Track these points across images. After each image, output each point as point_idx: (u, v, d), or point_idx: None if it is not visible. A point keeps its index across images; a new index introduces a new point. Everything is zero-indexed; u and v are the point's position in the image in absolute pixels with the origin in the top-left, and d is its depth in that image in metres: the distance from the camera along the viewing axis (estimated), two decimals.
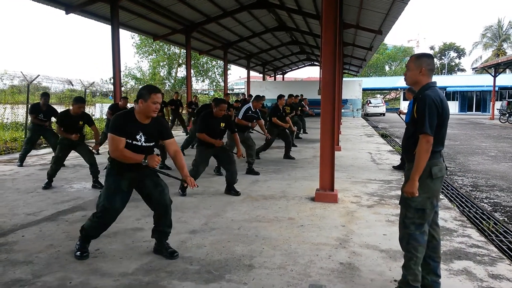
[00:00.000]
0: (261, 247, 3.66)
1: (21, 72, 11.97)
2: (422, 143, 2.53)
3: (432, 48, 58.51)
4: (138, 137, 3.18)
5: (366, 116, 31.08)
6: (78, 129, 6.01)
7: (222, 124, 5.60)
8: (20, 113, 13.25)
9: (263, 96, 7.87)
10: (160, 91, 3.27)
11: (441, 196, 5.64)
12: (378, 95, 49.71)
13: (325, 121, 5.33)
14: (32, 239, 3.85)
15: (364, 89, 33.46)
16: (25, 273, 3.09)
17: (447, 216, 4.67)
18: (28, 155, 8.06)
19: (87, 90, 14.25)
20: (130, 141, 3.17)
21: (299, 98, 14.62)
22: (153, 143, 3.31)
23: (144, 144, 3.22)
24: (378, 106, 32.67)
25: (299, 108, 13.45)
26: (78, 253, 3.39)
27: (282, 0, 13.62)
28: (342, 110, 22.64)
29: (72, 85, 14.12)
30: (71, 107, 6.00)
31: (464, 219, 4.57)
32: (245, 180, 6.58)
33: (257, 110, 7.41)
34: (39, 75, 12.32)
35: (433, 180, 2.61)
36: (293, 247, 3.68)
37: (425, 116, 2.51)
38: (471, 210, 5.32)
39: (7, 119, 10.94)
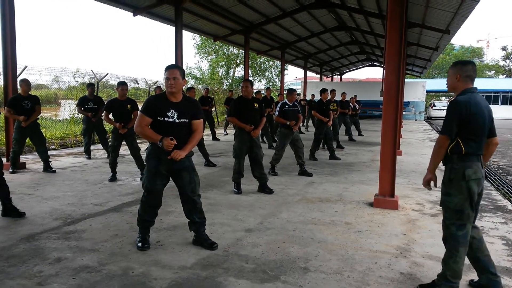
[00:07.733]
0: (316, 251, 3.60)
1: (92, 70, 12.75)
2: (437, 142, 2.76)
3: (504, 48, 54.11)
4: (169, 114, 3.38)
5: (429, 119, 29.60)
6: (128, 113, 6.32)
7: (256, 105, 5.65)
8: None
9: (295, 89, 7.65)
10: (171, 66, 3.42)
11: (508, 202, 5.22)
12: (444, 98, 47.11)
13: (386, 123, 5.12)
14: (98, 228, 4.09)
15: (428, 91, 31.90)
16: (92, 261, 3.28)
17: None
18: (95, 148, 8.56)
19: (151, 89, 14.89)
20: (162, 118, 3.37)
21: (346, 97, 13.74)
22: (187, 120, 3.46)
23: (177, 120, 3.40)
24: (443, 109, 30.90)
25: (349, 108, 12.95)
26: (139, 244, 3.55)
27: None
28: (403, 113, 21.73)
29: (138, 83, 14.80)
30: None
31: None
32: (300, 182, 6.53)
33: (295, 103, 7.16)
34: (108, 74, 13.07)
35: (467, 182, 2.68)
36: (350, 253, 3.58)
37: (447, 119, 2.71)
38: None
39: (78, 114, 11.72)
